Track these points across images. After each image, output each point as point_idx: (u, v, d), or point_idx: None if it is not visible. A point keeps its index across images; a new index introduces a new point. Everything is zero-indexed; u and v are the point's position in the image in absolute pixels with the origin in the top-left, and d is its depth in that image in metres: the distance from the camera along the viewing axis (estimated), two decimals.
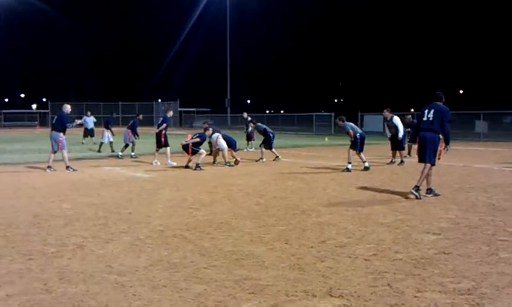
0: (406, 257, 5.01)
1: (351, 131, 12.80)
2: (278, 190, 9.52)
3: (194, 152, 13.66)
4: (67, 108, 13.36)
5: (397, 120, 14.51)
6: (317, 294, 4.03)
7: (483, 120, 31.07)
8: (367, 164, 12.81)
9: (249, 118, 20.71)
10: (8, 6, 63.05)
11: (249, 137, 21.06)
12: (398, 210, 7.50)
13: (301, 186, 10.12)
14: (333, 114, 40.00)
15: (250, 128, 20.26)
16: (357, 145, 12.71)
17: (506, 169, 13.43)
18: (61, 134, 12.80)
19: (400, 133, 14.35)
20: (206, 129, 14.36)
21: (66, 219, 6.94)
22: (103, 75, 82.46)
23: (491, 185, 9.99)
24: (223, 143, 14.55)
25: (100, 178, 11.35)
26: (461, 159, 15.34)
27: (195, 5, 65.73)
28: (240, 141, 18.92)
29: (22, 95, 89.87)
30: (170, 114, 15.60)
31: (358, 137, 12.78)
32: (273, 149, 16.04)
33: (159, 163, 14.46)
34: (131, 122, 17.55)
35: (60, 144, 12.76)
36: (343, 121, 13.17)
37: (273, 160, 15.52)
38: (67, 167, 12.76)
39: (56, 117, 13.48)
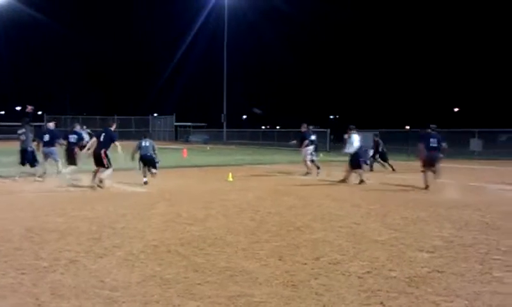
0: (399, 275, 5.02)
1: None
2: (272, 206, 9.51)
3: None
4: (50, 126, 14.63)
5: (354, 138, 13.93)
6: None
7: (478, 138, 31.17)
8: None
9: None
10: (4, 17, 63.43)
11: (384, 159, 19.26)
12: (392, 227, 7.51)
13: (296, 202, 10.12)
14: (328, 130, 40.11)
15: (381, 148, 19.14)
16: None
17: (500, 187, 13.49)
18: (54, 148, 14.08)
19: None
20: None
21: (59, 233, 6.90)
22: (99, 89, 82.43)
23: (485, 204, 10.02)
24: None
25: (95, 191, 11.30)
26: (456, 177, 15.38)
27: (193, 20, 66.56)
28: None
29: (18, 108, 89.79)
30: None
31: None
32: None
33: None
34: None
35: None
36: None
37: None
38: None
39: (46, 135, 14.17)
